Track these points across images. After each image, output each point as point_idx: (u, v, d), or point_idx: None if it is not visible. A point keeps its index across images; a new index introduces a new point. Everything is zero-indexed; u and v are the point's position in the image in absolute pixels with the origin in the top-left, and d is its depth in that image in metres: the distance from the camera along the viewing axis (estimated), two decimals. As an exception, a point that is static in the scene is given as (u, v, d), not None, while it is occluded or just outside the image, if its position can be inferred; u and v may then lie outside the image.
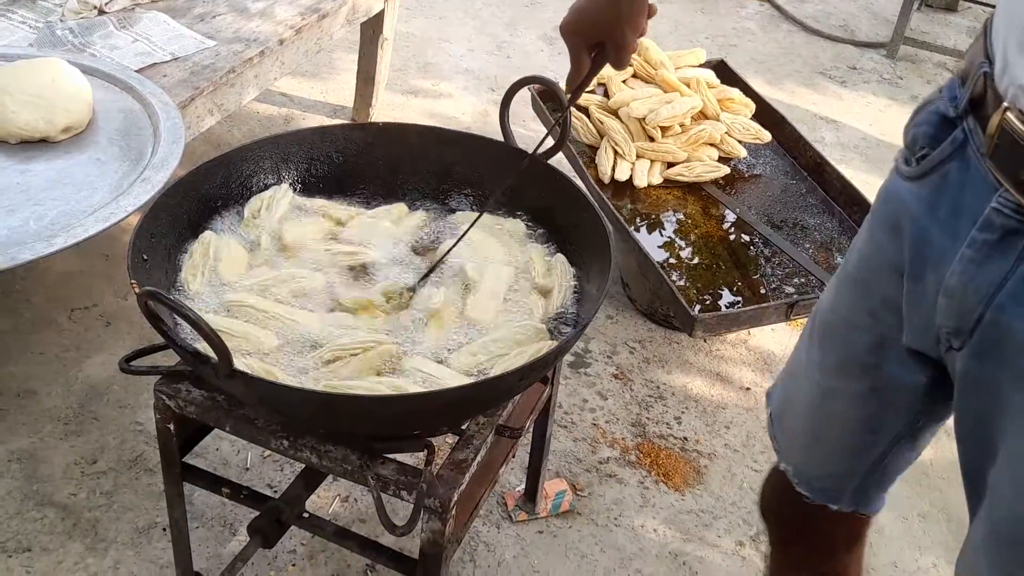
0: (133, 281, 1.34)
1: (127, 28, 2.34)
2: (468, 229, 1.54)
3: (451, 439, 1.91)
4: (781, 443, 1.36)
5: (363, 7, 2.81)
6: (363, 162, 1.72)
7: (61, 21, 2.34)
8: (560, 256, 1.56)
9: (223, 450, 2.08)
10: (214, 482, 1.59)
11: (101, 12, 2.39)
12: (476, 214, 1.59)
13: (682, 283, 2.30)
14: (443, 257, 1.54)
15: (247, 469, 2.04)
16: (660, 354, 2.50)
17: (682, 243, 2.42)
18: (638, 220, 2.47)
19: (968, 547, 1.07)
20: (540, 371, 1.39)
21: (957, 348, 1.01)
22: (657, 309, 2.56)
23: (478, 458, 1.42)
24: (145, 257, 1.43)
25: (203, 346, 1.19)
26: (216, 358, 1.16)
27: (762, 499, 1.50)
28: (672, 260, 2.37)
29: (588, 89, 2.71)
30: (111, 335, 2.34)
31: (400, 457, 1.40)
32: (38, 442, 2.06)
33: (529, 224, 1.65)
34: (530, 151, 1.63)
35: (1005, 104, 0.89)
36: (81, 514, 1.92)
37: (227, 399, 1.42)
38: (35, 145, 1.91)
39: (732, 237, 2.45)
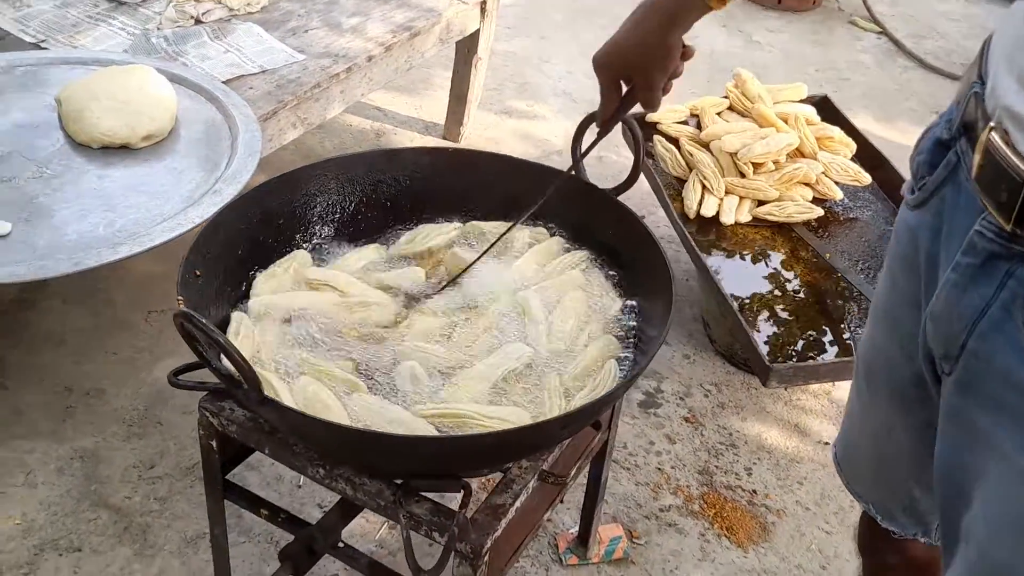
0: (180, 298, 1.33)
1: (220, 39, 2.37)
2: (494, 243, 1.54)
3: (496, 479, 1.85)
4: (852, 483, 1.35)
5: (457, 26, 2.79)
6: (431, 187, 1.68)
7: (158, 29, 2.38)
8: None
9: (278, 464, 2.06)
10: (254, 502, 1.57)
11: (198, 22, 2.43)
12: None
13: (762, 328, 2.20)
14: (467, 268, 1.52)
15: (299, 486, 2.02)
16: (736, 400, 2.39)
17: (766, 286, 2.32)
18: (722, 259, 2.37)
19: None
20: (584, 420, 1.33)
21: (948, 374, 0.99)
22: (736, 352, 2.45)
23: (517, 503, 1.35)
24: (198, 273, 1.42)
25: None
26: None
27: (859, 537, 1.50)
28: (754, 303, 2.26)
29: (679, 120, 2.66)
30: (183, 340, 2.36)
31: (438, 496, 1.36)
32: (101, 442, 2.08)
33: (595, 260, 1.59)
34: (603, 185, 1.57)
35: (991, 124, 0.87)
36: (133, 518, 1.93)
37: (268, 422, 1.40)
38: (116, 151, 1.94)
39: (820, 283, 2.33)
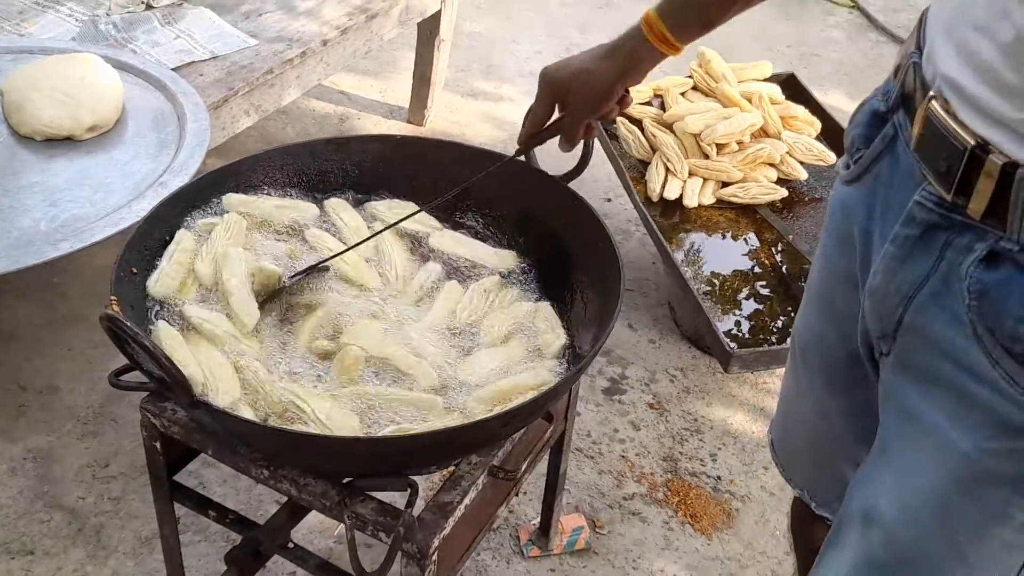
0: (112, 297, 1.30)
1: (171, 24, 2.32)
2: (390, 227, 1.51)
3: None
4: (788, 469, 1.35)
5: (417, 7, 2.73)
6: (379, 176, 1.64)
7: (107, 15, 2.32)
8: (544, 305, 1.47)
9: (237, 460, 2.03)
10: (201, 504, 1.53)
11: (148, 7, 2.37)
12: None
13: (727, 313, 2.17)
14: (340, 253, 1.46)
15: (257, 483, 1.98)
16: (702, 384, 2.37)
17: (731, 269, 2.29)
18: (685, 241, 2.34)
19: None
20: (527, 416, 1.30)
21: (886, 354, 0.98)
22: (702, 336, 2.43)
23: (466, 500, 1.33)
24: (134, 270, 1.38)
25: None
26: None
27: (791, 525, 1.50)
28: (717, 287, 2.24)
29: (643, 101, 2.62)
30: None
31: (385, 495, 1.33)
32: (55, 441, 2.04)
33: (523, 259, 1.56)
34: (553, 172, 1.54)
35: (931, 93, 0.86)
36: (87, 519, 1.89)
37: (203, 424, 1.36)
38: (60, 143, 1.89)
39: (784, 266, 2.31)
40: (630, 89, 1.38)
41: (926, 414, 0.91)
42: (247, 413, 1.22)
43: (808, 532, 1.41)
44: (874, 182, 0.98)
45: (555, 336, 1.40)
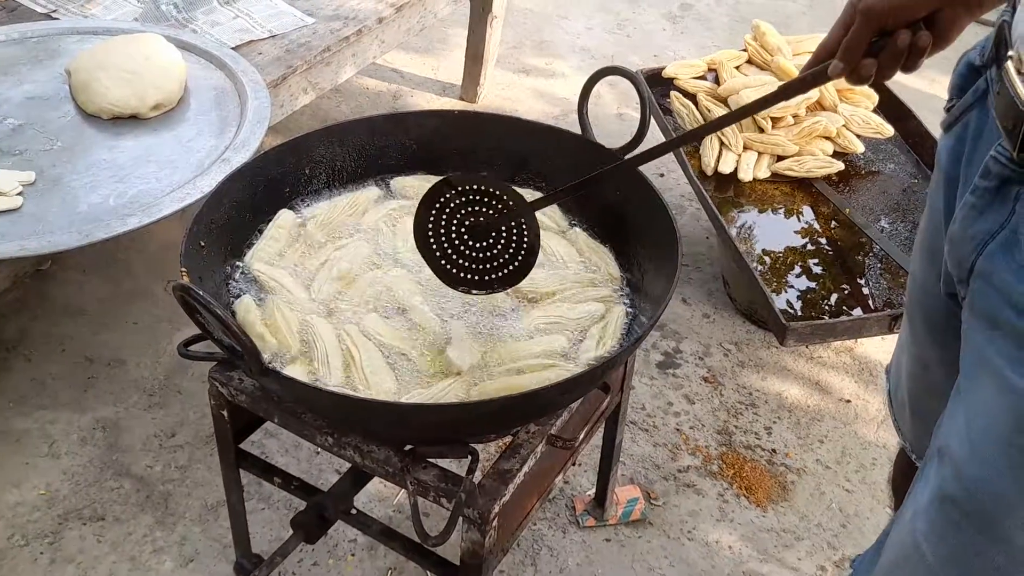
0: (183, 269, 1.33)
1: (230, 4, 2.35)
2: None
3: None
4: (899, 420, 1.38)
5: (470, -16, 2.75)
6: (436, 151, 1.66)
7: (167, -4, 2.36)
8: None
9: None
10: (267, 471, 1.58)
11: (207, -13, 2.41)
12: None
13: (784, 286, 2.16)
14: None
15: (317, 452, 2.03)
16: (756, 358, 2.37)
17: (786, 243, 2.28)
18: (740, 216, 2.34)
19: (907, 512, 1.07)
20: (587, 385, 1.31)
21: (963, 299, 1.01)
22: (756, 310, 2.43)
23: (525, 468, 1.35)
24: (203, 243, 1.42)
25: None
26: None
27: (893, 475, 1.54)
28: (772, 261, 2.23)
29: (697, 75, 2.61)
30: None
31: (446, 462, 1.36)
32: (123, 412, 2.10)
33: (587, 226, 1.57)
34: (609, 145, 1.54)
35: (1010, 53, 0.89)
36: (155, 487, 1.95)
37: (271, 391, 1.40)
38: (126, 121, 1.94)
39: (840, 239, 2.29)
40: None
41: (991, 357, 0.94)
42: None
43: (907, 485, 1.42)
44: (963, 132, 1.02)
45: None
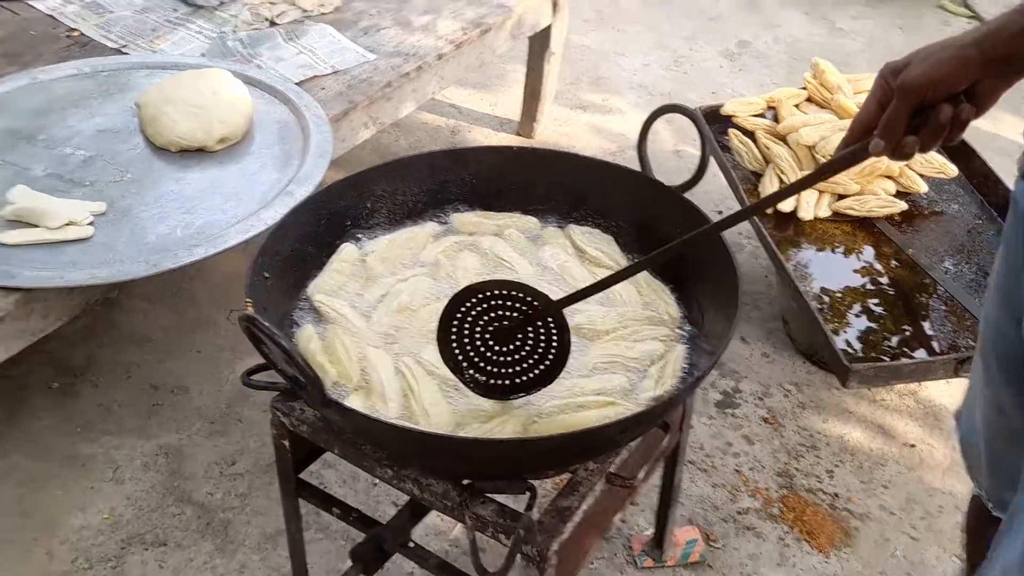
0: (248, 300, 1.35)
1: (294, 40, 2.40)
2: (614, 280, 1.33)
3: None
4: (973, 467, 1.35)
5: (529, 22, 2.77)
6: (495, 187, 1.67)
7: (234, 32, 2.42)
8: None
9: (354, 463, 2.09)
10: (326, 501, 1.59)
11: (272, 24, 2.47)
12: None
13: (844, 327, 2.13)
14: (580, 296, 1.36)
15: (375, 484, 2.04)
16: (817, 399, 2.33)
17: (847, 283, 2.24)
18: (799, 254, 2.31)
19: (994, 568, 1.03)
20: (647, 423, 1.30)
21: None
22: (817, 351, 2.39)
23: (584, 506, 1.34)
24: (267, 275, 1.44)
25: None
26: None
27: (967, 523, 1.50)
28: (834, 301, 2.20)
29: (755, 113, 2.60)
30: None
31: (504, 498, 1.35)
32: (185, 439, 2.13)
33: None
34: (667, 182, 1.54)
35: None
36: (215, 514, 1.97)
37: (332, 422, 1.41)
38: (193, 154, 1.98)
39: (903, 280, 2.25)
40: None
41: None
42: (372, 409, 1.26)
43: (983, 533, 1.37)
44: None
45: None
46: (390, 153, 3.12)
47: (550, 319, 1.29)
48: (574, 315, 1.40)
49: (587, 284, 1.34)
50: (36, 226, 1.74)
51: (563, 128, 3.36)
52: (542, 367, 1.30)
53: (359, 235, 1.60)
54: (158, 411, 2.20)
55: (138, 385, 2.26)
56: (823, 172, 1.17)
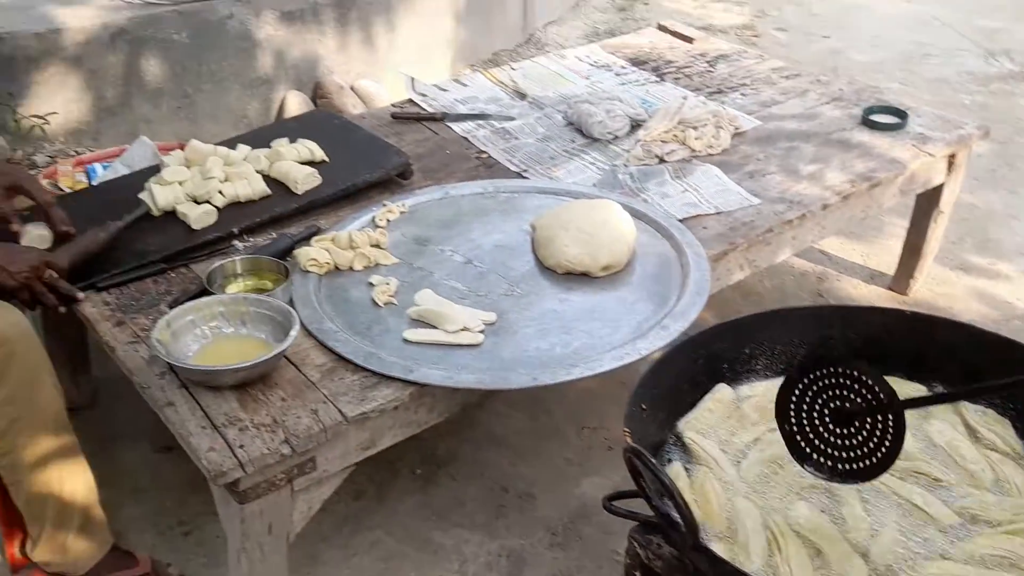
0: (626, 430, 1.40)
1: (680, 178, 2.50)
2: None
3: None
4: None
5: (921, 179, 2.69)
6: (881, 350, 1.62)
7: (625, 166, 2.57)
8: None
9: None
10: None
11: (661, 161, 2.59)
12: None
13: None
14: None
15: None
16: None
17: None
18: None
19: None
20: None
21: None
22: None
23: None
24: (644, 407, 1.49)
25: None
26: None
27: None
28: None
29: None
30: (611, 459, 2.46)
31: None
32: (527, 546, 2.22)
33: None
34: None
35: None
36: (545, 626, 2.02)
37: (695, 566, 1.41)
38: (576, 277, 2.10)
39: None
40: None
41: None
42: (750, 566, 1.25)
43: None
44: None
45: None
46: (753, 293, 3.11)
47: (889, 417, 1.24)
48: (964, 497, 1.31)
49: (980, 468, 1.26)
50: (435, 327, 1.92)
51: (941, 288, 3.18)
52: (862, 464, 1.27)
53: (735, 379, 1.62)
54: (505, 513, 2.31)
55: (490, 484, 2.39)
56: None
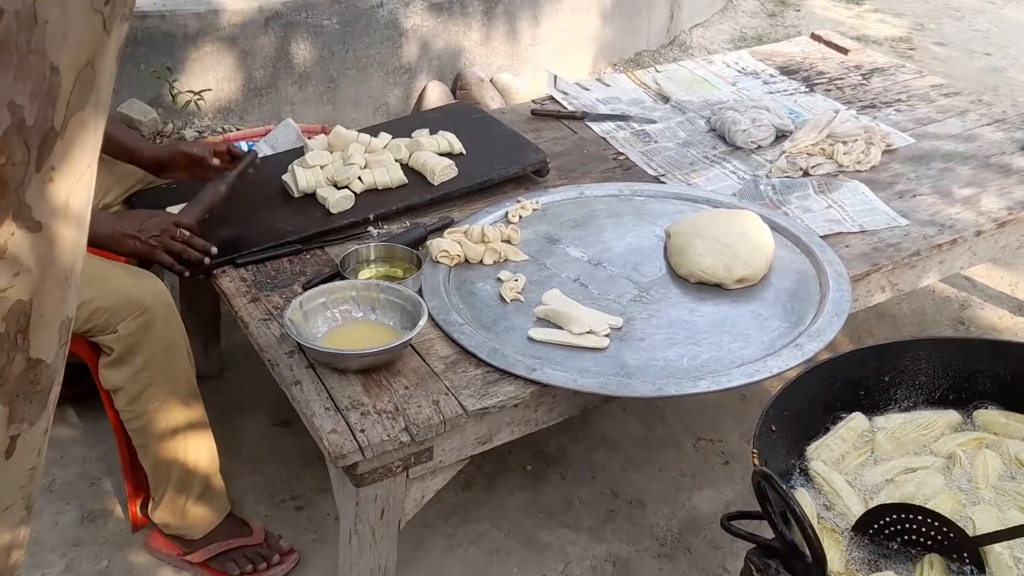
0: (754, 451, 1.36)
1: (824, 193, 2.41)
2: None
3: None
4: None
5: (1085, 209, 2.52)
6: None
7: (767, 177, 2.49)
8: None
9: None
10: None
11: (805, 174, 2.50)
12: None
13: None
14: None
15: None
16: None
17: None
18: None
19: None
20: None
21: None
22: None
23: None
24: (774, 428, 1.44)
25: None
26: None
27: None
28: None
29: None
30: (726, 474, 2.41)
31: None
32: (634, 553, 2.18)
33: None
34: None
35: None
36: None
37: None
38: (709, 288, 2.05)
39: None
40: None
41: None
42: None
43: None
44: None
45: None
46: (888, 315, 2.99)
47: (965, 556, 1.25)
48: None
49: None
50: (560, 328, 1.90)
51: (1096, 326, 3.00)
52: None
53: (871, 408, 1.55)
54: (613, 518, 2.28)
55: (600, 488, 2.37)
56: None
